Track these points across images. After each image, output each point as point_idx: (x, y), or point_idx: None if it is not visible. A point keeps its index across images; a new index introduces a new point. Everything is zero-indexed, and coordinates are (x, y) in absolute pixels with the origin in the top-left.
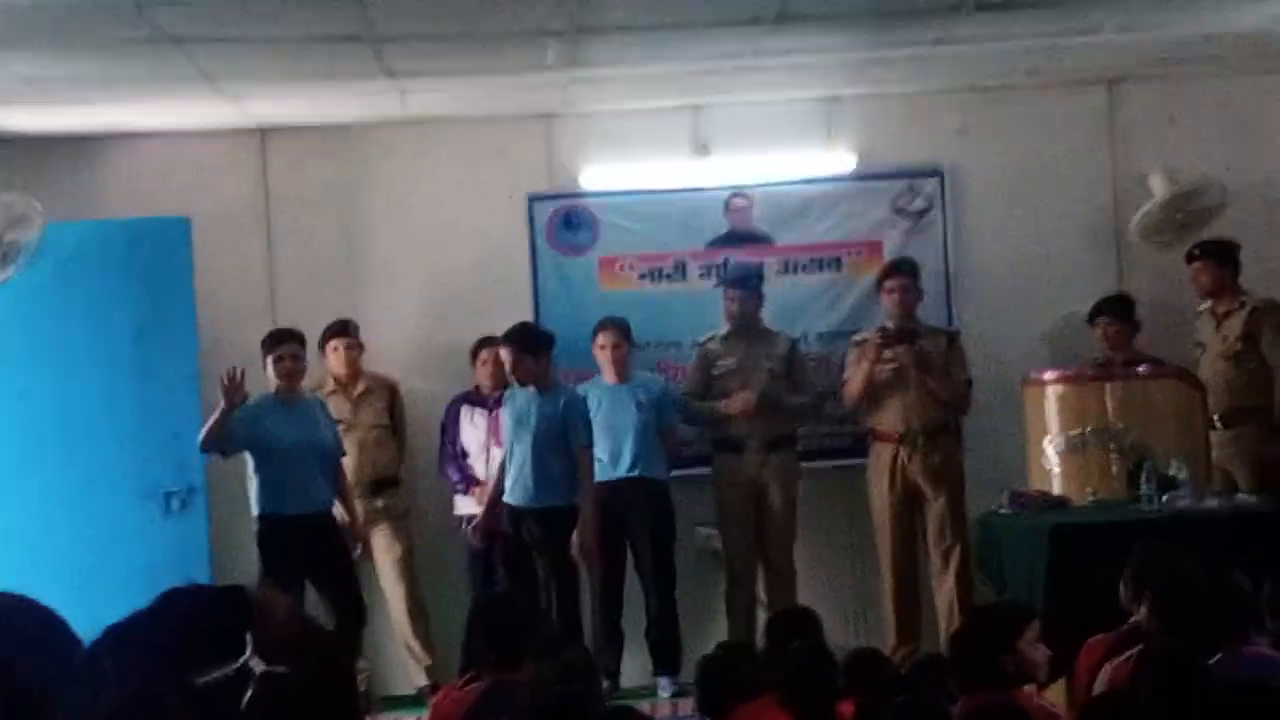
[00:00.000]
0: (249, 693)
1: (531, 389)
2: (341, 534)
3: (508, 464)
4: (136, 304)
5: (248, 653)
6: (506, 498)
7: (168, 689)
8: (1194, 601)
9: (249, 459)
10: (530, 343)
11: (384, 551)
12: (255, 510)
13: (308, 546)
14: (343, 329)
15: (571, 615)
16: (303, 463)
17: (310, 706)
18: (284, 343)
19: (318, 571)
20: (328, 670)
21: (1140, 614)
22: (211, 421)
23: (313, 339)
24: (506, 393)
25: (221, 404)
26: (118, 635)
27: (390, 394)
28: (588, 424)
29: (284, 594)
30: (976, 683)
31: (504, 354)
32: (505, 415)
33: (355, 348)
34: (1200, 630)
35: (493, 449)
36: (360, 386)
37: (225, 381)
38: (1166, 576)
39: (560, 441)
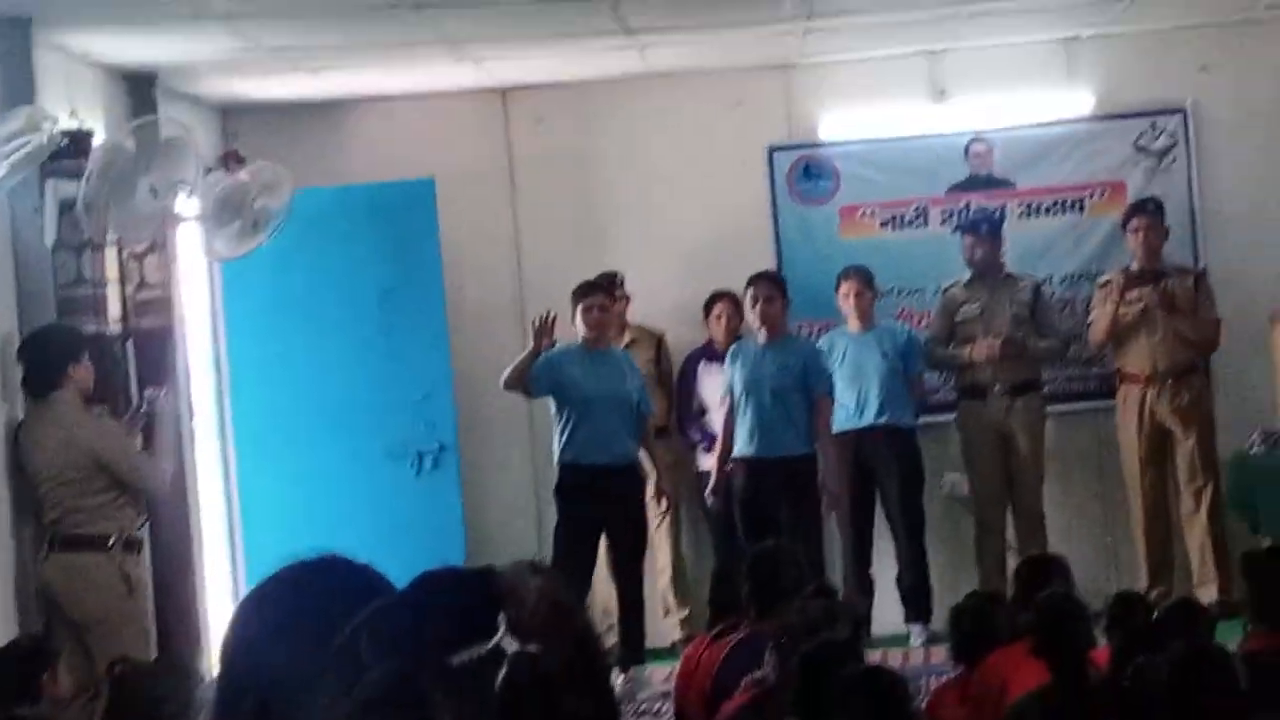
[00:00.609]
0: (503, 672)
1: (762, 339)
2: (640, 488)
3: (739, 416)
4: (385, 266)
5: (500, 633)
6: (743, 450)
7: (424, 670)
8: None
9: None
10: (781, 285)
11: (650, 503)
12: (556, 459)
13: (604, 497)
14: (610, 282)
15: (817, 564)
16: (604, 413)
17: (563, 685)
18: (592, 293)
19: (611, 523)
20: (579, 649)
21: None
22: (516, 362)
23: (564, 294)
24: (732, 346)
25: (529, 346)
26: (373, 618)
27: (657, 344)
28: (827, 373)
29: (547, 573)
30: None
31: (753, 295)
32: (735, 369)
33: (622, 299)
34: None
35: None
36: (627, 337)
37: (536, 324)
38: None
39: (801, 389)
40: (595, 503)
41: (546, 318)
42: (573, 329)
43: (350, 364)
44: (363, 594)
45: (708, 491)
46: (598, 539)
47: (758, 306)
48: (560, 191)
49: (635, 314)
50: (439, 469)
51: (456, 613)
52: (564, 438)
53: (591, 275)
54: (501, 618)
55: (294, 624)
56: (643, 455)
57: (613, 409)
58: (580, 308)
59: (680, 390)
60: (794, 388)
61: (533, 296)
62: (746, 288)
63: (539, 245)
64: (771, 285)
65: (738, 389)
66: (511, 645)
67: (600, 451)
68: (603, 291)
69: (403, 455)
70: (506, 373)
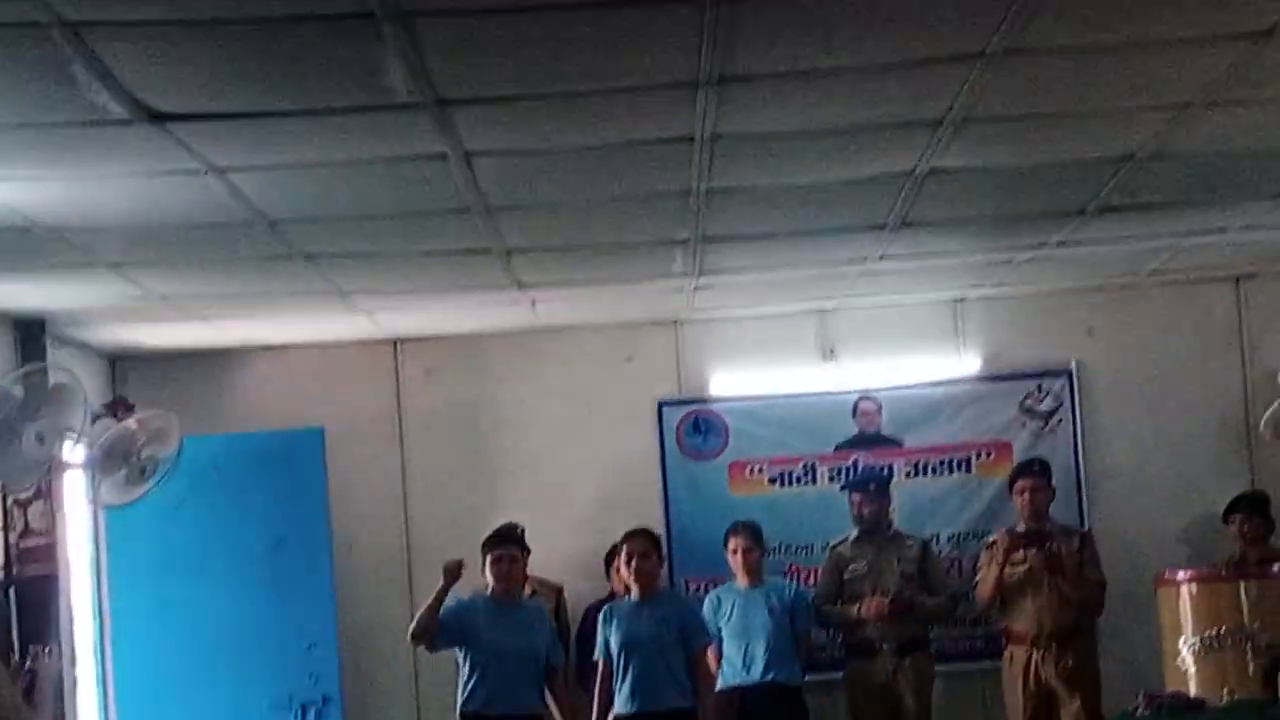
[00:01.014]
0: None
1: (636, 596)
2: None
3: (618, 675)
4: (273, 515)
5: None
6: (624, 708)
7: None
8: None
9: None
10: (657, 540)
11: None
12: (459, 708)
13: None
14: (518, 534)
15: None
16: (510, 666)
17: None
18: (503, 544)
19: None
20: None
21: None
22: (425, 606)
23: (452, 545)
24: (605, 608)
25: (437, 587)
26: None
27: (556, 595)
28: (704, 626)
29: None
30: None
31: (627, 551)
32: (610, 628)
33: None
34: None
35: None
36: (528, 589)
37: (448, 565)
38: None
39: (679, 645)
40: None
41: (458, 563)
42: (481, 579)
43: (236, 613)
44: None
45: None
46: None
47: (633, 563)
48: (450, 442)
49: (532, 566)
50: None
51: None
52: (468, 688)
53: (481, 527)
54: None
55: None
56: (551, 706)
57: (519, 662)
58: (490, 558)
59: (580, 642)
60: (673, 643)
61: (421, 547)
62: (620, 544)
63: (428, 496)
64: (647, 541)
65: (614, 647)
66: None
67: (504, 703)
68: (514, 543)
69: (287, 706)
70: (414, 622)
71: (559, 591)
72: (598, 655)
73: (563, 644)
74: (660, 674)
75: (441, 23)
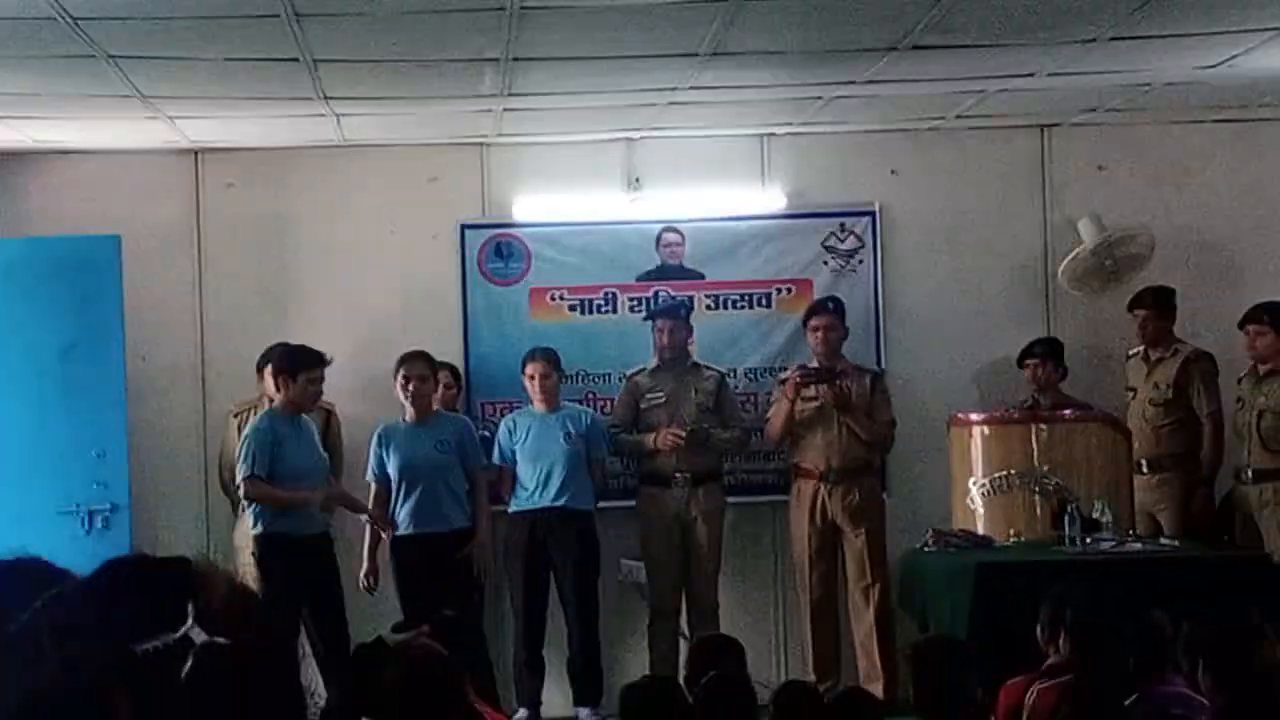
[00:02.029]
0: (189, 663)
1: (410, 418)
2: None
3: (398, 497)
4: (65, 321)
5: (189, 623)
6: (406, 529)
7: (106, 658)
8: (1108, 642)
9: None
10: (433, 363)
11: None
12: (256, 530)
13: (311, 568)
14: (319, 360)
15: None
16: (312, 482)
17: (250, 677)
18: (317, 364)
19: (315, 594)
20: (268, 642)
21: (1056, 654)
22: (283, 501)
23: (243, 361)
24: (380, 429)
25: (314, 502)
26: (56, 603)
27: (326, 417)
28: (477, 447)
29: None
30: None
31: (404, 374)
32: (387, 450)
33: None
34: (1115, 670)
35: None
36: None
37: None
38: (1081, 617)
39: (459, 465)
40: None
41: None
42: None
43: (25, 418)
44: (48, 586)
45: (363, 573)
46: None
47: (410, 386)
48: (248, 257)
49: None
50: (110, 529)
51: (143, 601)
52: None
53: (272, 342)
54: (190, 608)
55: None
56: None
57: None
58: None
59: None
60: (452, 464)
61: (214, 359)
62: (399, 366)
63: (223, 309)
64: (424, 365)
65: (393, 471)
66: (200, 636)
67: (306, 522)
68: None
69: (74, 513)
70: (267, 496)
71: (329, 414)
72: (368, 477)
73: (337, 464)
74: (441, 495)
75: None
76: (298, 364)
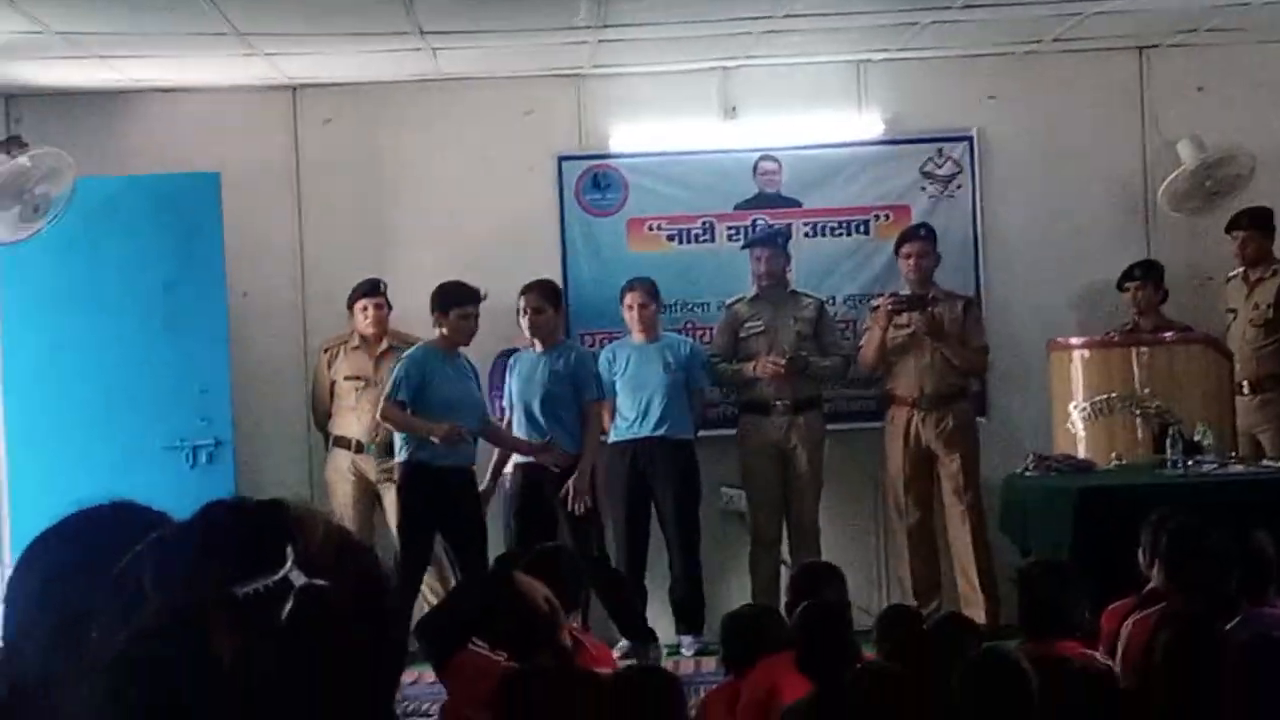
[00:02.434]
0: (288, 606)
1: (538, 348)
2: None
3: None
4: (167, 258)
5: (288, 565)
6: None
7: (206, 601)
8: (1204, 564)
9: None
10: (553, 294)
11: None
12: (400, 457)
13: (445, 498)
14: (373, 288)
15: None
16: (460, 417)
17: (350, 620)
18: (469, 301)
19: (450, 523)
20: (368, 584)
21: (1156, 578)
22: (411, 428)
23: (341, 296)
24: (511, 357)
25: (436, 435)
26: (157, 547)
27: None
28: (598, 378)
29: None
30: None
31: (524, 304)
32: (512, 377)
33: (383, 306)
34: (1212, 592)
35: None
36: (384, 345)
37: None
38: (1176, 539)
39: (572, 397)
40: (436, 501)
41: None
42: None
43: (129, 355)
44: (148, 530)
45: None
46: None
47: (527, 316)
48: (346, 192)
49: (405, 322)
50: (214, 464)
51: (242, 544)
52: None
53: (370, 276)
54: (289, 551)
55: (82, 563)
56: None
57: (468, 413)
58: (456, 313)
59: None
60: (565, 394)
61: (314, 295)
62: (520, 296)
63: (322, 245)
64: (541, 296)
65: (515, 397)
66: (299, 578)
67: (448, 454)
68: (476, 300)
69: (178, 449)
70: (399, 421)
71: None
72: (504, 404)
73: None
74: (551, 426)
75: None
76: (449, 300)
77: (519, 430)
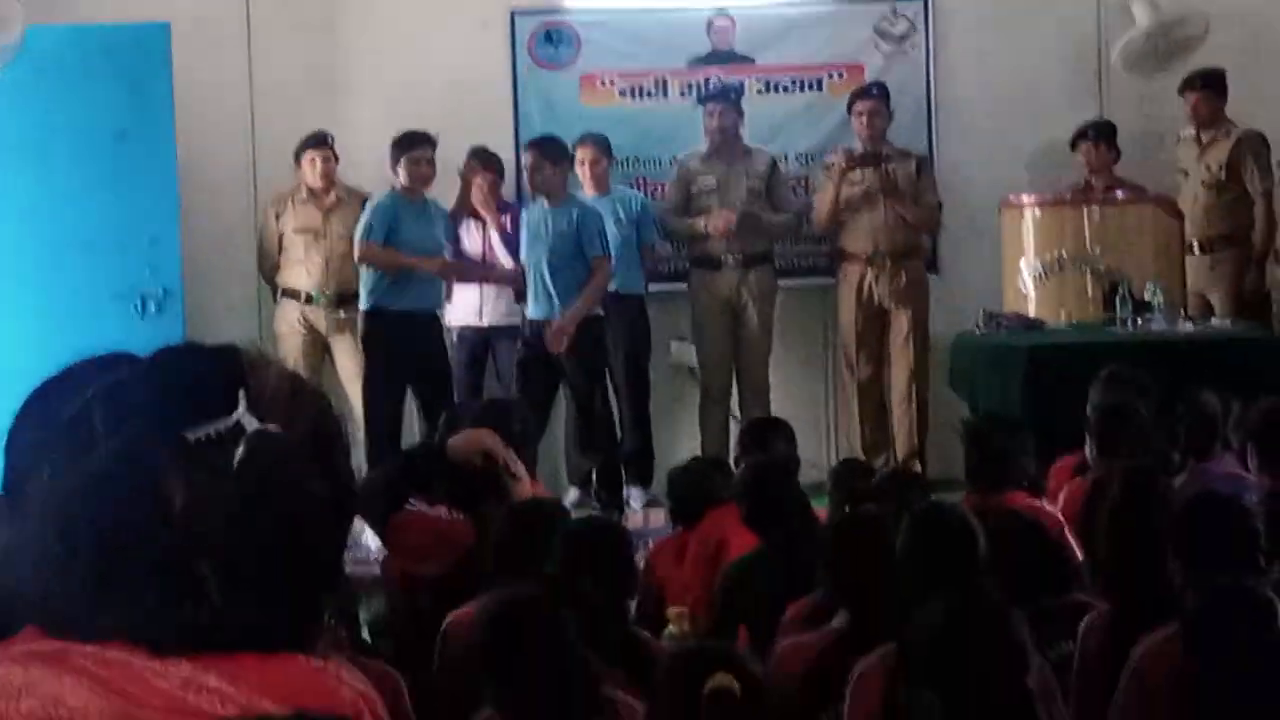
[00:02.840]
0: (241, 449)
1: (544, 203)
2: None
3: (526, 277)
4: (116, 108)
5: (240, 410)
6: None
7: (158, 443)
8: (1133, 437)
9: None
10: (552, 150)
11: (348, 359)
12: (364, 305)
13: (412, 346)
14: (320, 140)
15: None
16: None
17: (302, 465)
18: (419, 146)
19: (419, 374)
20: (319, 431)
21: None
22: (397, 263)
23: (289, 150)
24: (523, 209)
25: (430, 268)
26: (108, 390)
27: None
28: (603, 234)
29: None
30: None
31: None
32: (522, 230)
33: (331, 159)
34: (1146, 453)
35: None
36: (332, 197)
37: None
38: (1105, 416)
39: (577, 252)
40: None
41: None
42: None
43: (78, 205)
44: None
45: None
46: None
47: (529, 168)
48: (297, 46)
49: (357, 176)
50: (162, 313)
51: (195, 388)
52: (381, 283)
53: (323, 129)
54: (241, 395)
55: (80, 415)
56: None
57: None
58: (407, 159)
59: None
60: (571, 249)
61: (264, 148)
62: (527, 150)
63: (273, 98)
64: (540, 153)
65: (525, 252)
66: (251, 423)
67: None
68: (429, 144)
69: (127, 297)
70: (378, 260)
71: (364, 201)
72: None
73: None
74: (556, 282)
75: None
76: (401, 146)
77: (531, 286)
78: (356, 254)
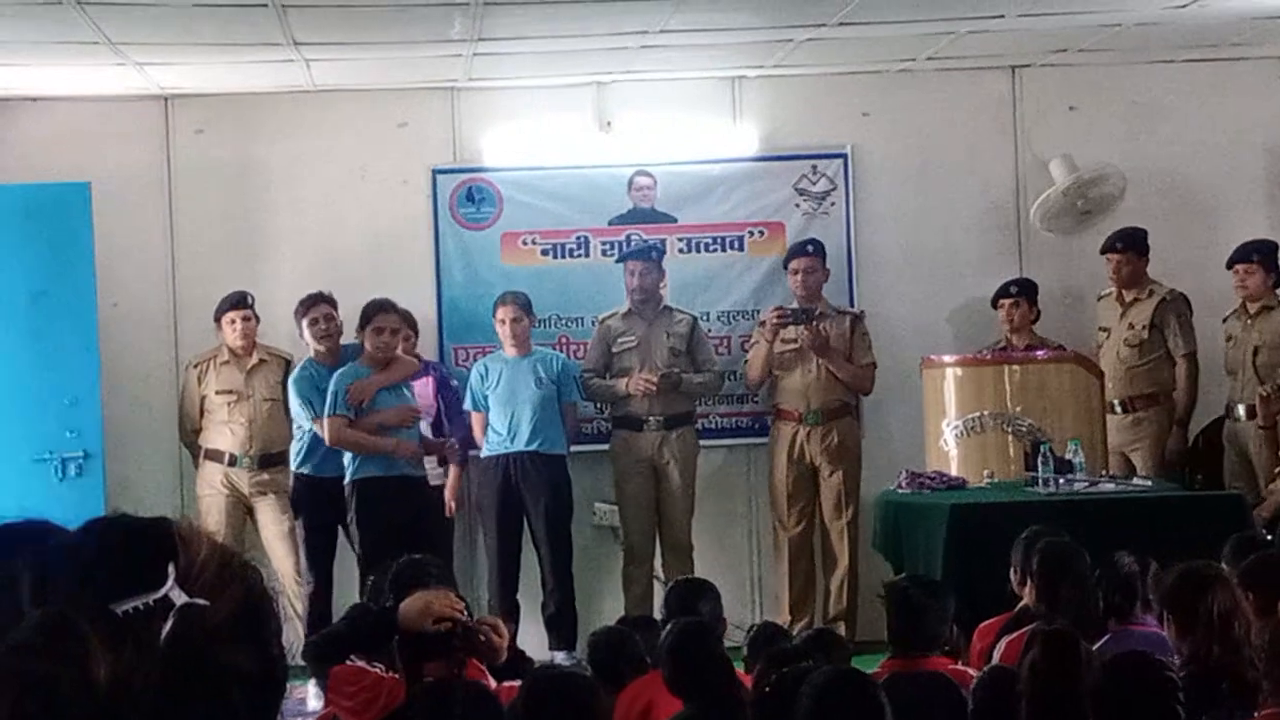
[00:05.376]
0: (169, 624)
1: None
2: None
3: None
4: (36, 268)
5: (169, 584)
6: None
7: (85, 616)
8: (1074, 584)
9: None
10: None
11: (272, 524)
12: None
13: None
14: (240, 301)
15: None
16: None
17: (229, 640)
18: (316, 305)
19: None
20: (247, 606)
21: (1028, 596)
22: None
23: (211, 309)
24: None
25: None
26: (36, 560)
27: (284, 368)
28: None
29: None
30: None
31: (506, 313)
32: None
33: (251, 319)
34: (1081, 610)
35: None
36: (254, 359)
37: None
38: (1047, 559)
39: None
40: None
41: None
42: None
43: None
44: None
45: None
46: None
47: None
48: (219, 203)
49: (277, 335)
50: (83, 476)
51: (125, 560)
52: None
53: (249, 289)
54: (171, 569)
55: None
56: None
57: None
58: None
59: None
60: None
61: (187, 305)
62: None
63: (194, 257)
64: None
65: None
66: (180, 597)
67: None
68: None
69: (47, 461)
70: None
71: (288, 364)
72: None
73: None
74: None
75: None
76: (299, 310)
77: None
78: (326, 436)
